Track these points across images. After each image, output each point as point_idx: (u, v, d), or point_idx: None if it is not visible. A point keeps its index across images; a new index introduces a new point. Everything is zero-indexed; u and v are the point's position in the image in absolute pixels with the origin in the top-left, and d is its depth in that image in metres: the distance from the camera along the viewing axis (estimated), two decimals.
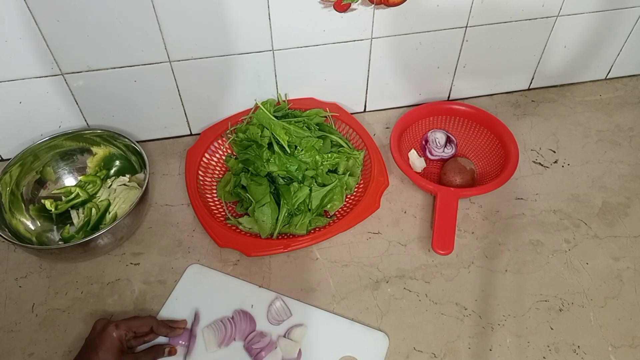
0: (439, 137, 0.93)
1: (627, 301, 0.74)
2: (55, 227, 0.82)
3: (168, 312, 0.72)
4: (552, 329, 0.71)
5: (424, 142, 0.94)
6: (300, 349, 0.68)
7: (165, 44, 0.81)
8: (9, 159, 0.82)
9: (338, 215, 0.84)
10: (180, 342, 0.69)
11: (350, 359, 0.67)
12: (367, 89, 0.98)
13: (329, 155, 0.85)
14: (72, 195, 0.84)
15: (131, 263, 0.78)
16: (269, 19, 0.82)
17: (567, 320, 0.72)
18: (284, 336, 0.69)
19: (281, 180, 0.83)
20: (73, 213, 0.83)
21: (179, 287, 0.75)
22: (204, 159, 0.89)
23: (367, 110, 1.02)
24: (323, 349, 0.68)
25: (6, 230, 0.75)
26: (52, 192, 0.85)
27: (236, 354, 0.68)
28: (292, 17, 0.82)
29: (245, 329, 0.70)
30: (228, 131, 0.93)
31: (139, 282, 0.76)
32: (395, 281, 0.76)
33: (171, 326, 0.69)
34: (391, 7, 0.84)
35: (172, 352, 0.67)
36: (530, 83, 1.06)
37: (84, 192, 0.84)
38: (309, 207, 0.82)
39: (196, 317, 0.72)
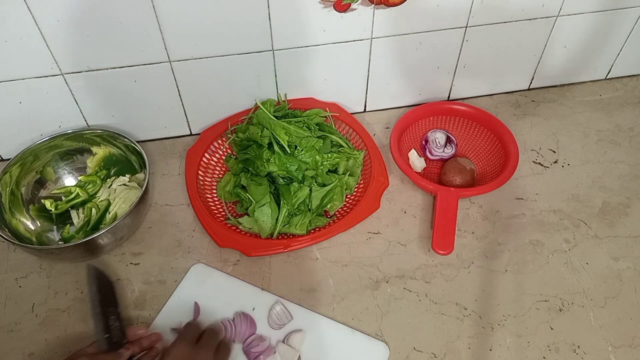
0: (439, 137, 0.93)
1: (627, 301, 0.74)
2: (55, 227, 0.82)
3: (170, 310, 0.72)
4: (552, 329, 0.71)
5: (424, 142, 0.94)
6: (299, 356, 0.67)
7: (165, 44, 0.81)
8: (9, 159, 0.82)
9: (338, 215, 0.84)
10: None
11: None
12: (367, 89, 0.98)
13: (329, 155, 0.85)
14: (72, 195, 0.84)
15: (131, 263, 0.78)
16: (269, 19, 0.82)
17: (567, 320, 0.72)
18: (283, 342, 0.69)
19: (281, 180, 0.83)
20: (73, 213, 0.83)
21: (182, 286, 0.75)
22: (204, 159, 0.89)
23: (367, 110, 1.02)
24: (322, 357, 0.68)
25: (6, 230, 0.75)
26: (52, 192, 0.85)
27: (235, 357, 0.68)
28: (292, 17, 0.82)
29: (245, 332, 0.70)
30: (228, 131, 0.93)
31: (139, 282, 0.76)
32: (395, 281, 0.76)
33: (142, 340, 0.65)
34: (391, 7, 0.84)
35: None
36: (530, 83, 1.06)
37: (84, 192, 0.84)
38: (309, 207, 0.82)
39: (196, 308, 0.72)
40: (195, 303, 0.73)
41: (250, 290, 0.75)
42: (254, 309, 0.72)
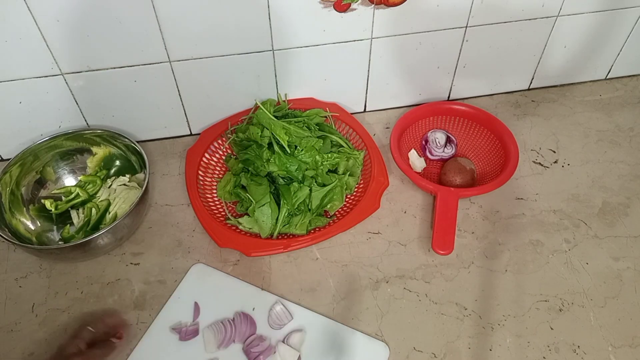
0: (439, 137, 0.93)
1: (627, 301, 0.74)
2: (55, 227, 0.82)
3: (170, 310, 0.72)
4: (552, 329, 0.71)
5: (424, 142, 0.94)
6: (299, 356, 0.67)
7: (165, 44, 0.81)
8: (9, 159, 0.82)
9: (338, 215, 0.84)
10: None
11: None
12: (367, 89, 0.98)
13: (329, 155, 0.85)
14: (72, 195, 0.84)
15: (131, 263, 0.78)
16: (269, 19, 0.82)
17: (567, 320, 0.72)
18: (283, 342, 0.69)
19: (281, 180, 0.83)
20: (73, 213, 0.83)
21: (182, 286, 0.75)
22: (204, 159, 0.89)
23: (367, 110, 1.02)
24: (322, 357, 0.68)
25: (6, 230, 0.75)
26: (52, 192, 0.85)
27: (235, 357, 0.68)
28: (292, 17, 0.82)
29: (245, 332, 0.70)
30: (228, 131, 0.93)
31: (139, 282, 0.76)
32: (395, 281, 0.76)
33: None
34: (391, 7, 0.84)
35: (119, 337, 0.68)
36: (530, 83, 1.06)
37: (84, 192, 0.84)
38: (309, 207, 0.82)
39: (196, 308, 0.72)
40: (195, 303, 0.73)
41: (251, 290, 0.75)
42: (254, 309, 0.72)
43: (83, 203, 0.84)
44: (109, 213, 0.82)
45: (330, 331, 0.70)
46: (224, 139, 0.93)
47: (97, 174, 0.87)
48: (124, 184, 0.85)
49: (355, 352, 0.68)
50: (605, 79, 1.09)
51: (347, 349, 0.69)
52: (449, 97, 1.04)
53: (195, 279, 0.76)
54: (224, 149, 0.92)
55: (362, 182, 0.87)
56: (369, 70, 0.94)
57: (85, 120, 0.90)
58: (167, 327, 0.71)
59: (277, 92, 0.95)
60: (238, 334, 0.69)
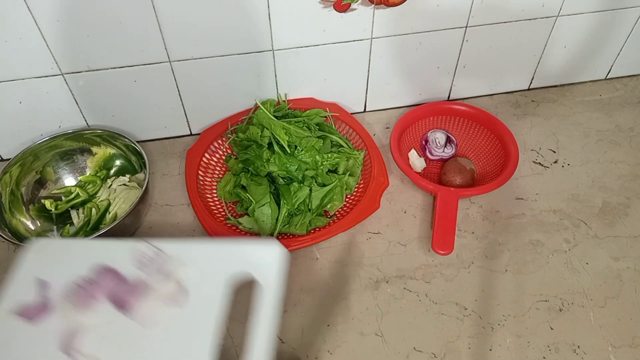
0: (439, 137, 0.93)
1: (627, 301, 0.74)
2: (55, 227, 0.82)
3: (8, 295, 0.57)
4: (552, 329, 0.71)
5: (424, 142, 0.94)
6: (183, 287, 0.57)
7: (165, 44, 0.81)
8: (9, 159, 0.82)
9: (338, 215, 0.84)
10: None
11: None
12: (367, 89, 0.98)
13: (329, 155, 0.85)
14: (72, 195, 0.84)
15: None
16: (269, 19, 0.82)
17: (567, 320, 0.72)
18: (160, 279, 0.57)
19: (281, 180, 0.83)
20: (73, 213, 0.83)
21: (21, 269, 0.59)
22: (204, 159, 0.89)
23: (367, 110, 1.02)
24: (210, 280, 0.57)
25: (6, 230, 0.75)
26: (52, 192, 0.85)
27: (105, 314, 0.55)
28: (292, 17, 0.82)
29: (109, 284, 0.56)
30: (228, 131, 0.93)
31: None
32: (395, 281, 0.76)
33: None
34: (391, 7, 0.84)
35: None
36: (530, 83, 1.06)
37: (84, 192, 0.84)
38: (309, 207, 0.82)
39: (40, 282, 0.58)
40: (37, 278, 0.58)
41: (105, 245, 0.62)
42: (114, 260, 0.59)
43: (83, 203, 0.84)
44: (109, 213, 0.82)
45: (212, 251, 0.60)
46: (224, 139, 0.93)
47: (97, 174, 0.87)
48: (124, 184, 0.85)
49: (247, 260, 0.58)
50: (605, 79, 1.09)
51: (236, 260, 0.59)
52: (449, 97, 1.04)
53: (33, 257, 0.61)
54: (224, 149, 0.92)
55: (362, 182, 0.87)
56: (369, 70, 0.94)
57: (85, 120, 0.90)
58: (9, 315, 0.56)
59: (277, 92, 0.95)
60: (99, 288, 0.57)
